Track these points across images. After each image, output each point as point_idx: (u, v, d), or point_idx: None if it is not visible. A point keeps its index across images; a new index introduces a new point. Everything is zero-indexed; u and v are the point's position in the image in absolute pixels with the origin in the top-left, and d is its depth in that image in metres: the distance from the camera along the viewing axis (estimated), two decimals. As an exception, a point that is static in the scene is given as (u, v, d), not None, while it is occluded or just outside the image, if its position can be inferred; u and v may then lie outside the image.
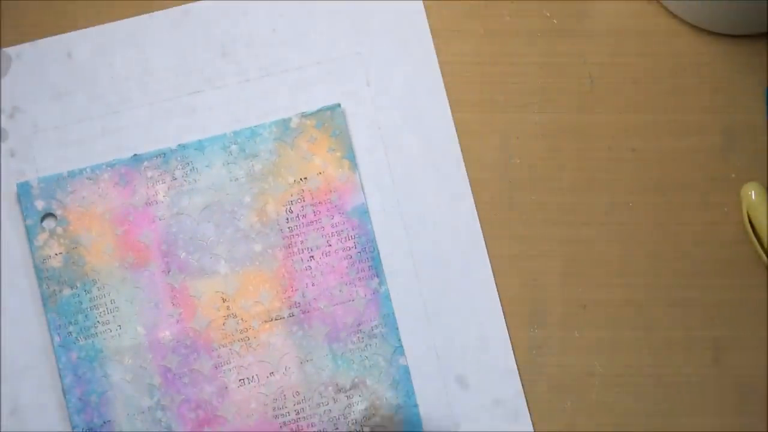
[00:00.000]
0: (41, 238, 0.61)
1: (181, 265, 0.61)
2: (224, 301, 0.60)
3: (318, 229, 0.60)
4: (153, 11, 0.66)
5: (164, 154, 0.62)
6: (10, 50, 0.65)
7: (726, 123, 0.65)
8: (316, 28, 0.66)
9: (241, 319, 0.60)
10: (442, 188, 0.65)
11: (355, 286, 0.60)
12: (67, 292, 0.60)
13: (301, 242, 0.60)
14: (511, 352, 0.62)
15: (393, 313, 0.60)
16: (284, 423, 0.59)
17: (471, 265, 0.64)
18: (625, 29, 0.67)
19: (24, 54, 0.66)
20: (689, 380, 0.62)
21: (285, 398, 0.59)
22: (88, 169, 0.61)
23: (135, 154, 0.61)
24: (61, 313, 0.60)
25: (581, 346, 0.63)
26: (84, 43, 0.66)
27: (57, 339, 0.60)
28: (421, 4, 0.66)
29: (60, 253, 0.61)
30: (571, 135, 0.66)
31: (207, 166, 0.61)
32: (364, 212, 0.60)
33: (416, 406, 0.60)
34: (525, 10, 0.67)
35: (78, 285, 0.60)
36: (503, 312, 0.63)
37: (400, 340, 0.60)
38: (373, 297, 0.60)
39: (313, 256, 0.60)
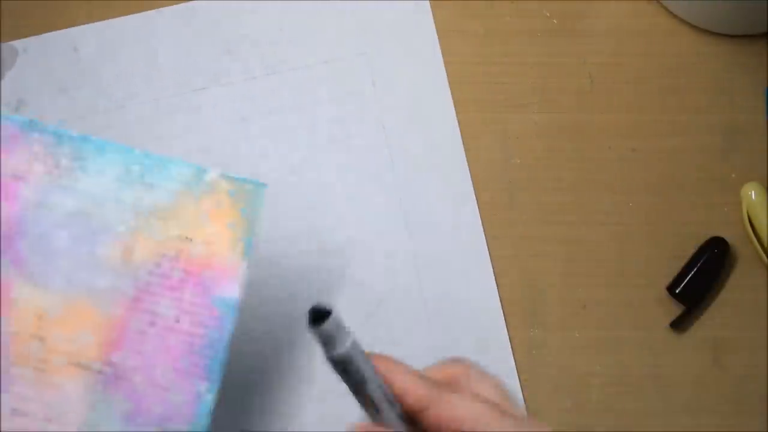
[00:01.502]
0: None
1: (17, 260, 0.49)
2: (40, 319, 0.48)
3: (175, 299, 0.49)
4: (160, 8, 0.62)
5: (60, 136, 0.50)
6: (16, 43, 0.62)
7: (726, 123, 0.62)
8: (323, 28, 0.63)
9: (48, 348, 0.48)
10: (444, 188, 0.61)
11: (181, 377, 0.48)
12: None
13: (151, 302, 0.49)
14: (511, 353, 0.58)
15: (207, 429, 0.48)
16: None
17: (472, 265, 0.60)
18: (625, 29, 0.63)
19: (30, 47, 0.61)
20: (689, 380, 0.59)
21: None
22: None
23: (33, 120, 0.50)
24: None
25: (581, 346, 0.59)
26: (90, 37, 0.61)
27: None
28: (427, 4, 0.63)
29: None
30: (571, 135, 0.62)
31: (98, 172, 0.50)
32: (230, 308, 0.49)
33: None
34: (525, 10, 0.64)
35: None
36: (503, 312, 0.59)
37: None
38: (191, 400, 0.48)
39: (155, 323, 0.48)
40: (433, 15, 0.63)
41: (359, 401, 0.40)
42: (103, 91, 0.61)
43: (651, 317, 0.59)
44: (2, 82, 0.61)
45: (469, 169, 0.61)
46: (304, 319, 0.38)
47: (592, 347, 0.58)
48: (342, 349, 0.39)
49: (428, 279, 0.59)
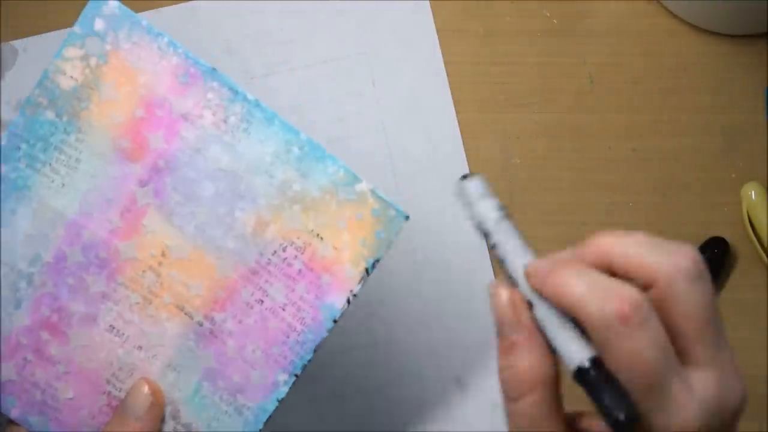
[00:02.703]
0: (73, 51, 0.49)
1: (159, 192, 0.50)
2: (163, 255, 0.50)
3: (288, 287, 0.50)
4: (160, 8, 0.62)
5: (237, 93, 0.50)
6: (16, 43, 0.61)
7: (726, 123, 0.61)
8: (323, 28, 0.62)
9: (161, 283, 0.49)
10: (445, 188, 0.60)
11: (267, 362, 0.49)
12: (50, 115, 0.49)
13: (265, 281, 0.50)
14: None
15: (269, 414, 0.50)
16: (108, 393, 0.49)
17: (472, 265, 0.59)
18: (625, 29, 0.63)
19: (30, 47, 0.61)
20: None
21: (129, 377, 0.49)
22: (165, 40, 0.50)
23: (215, 69, 0.51)
24: (29, 127, 0.49)
25: None
26: None
27: (4, 141, 0.49)
28: (427, 4, 0.62)
29: (75, 80, 0.49)
30: (571, 135, 0.61)
31: (260, 141, 0.50)
32: (332, 318, 0.50)
33: None
34: (525, 10, 0.63)
35: (64, 119, 0.49)
36: None
37: None
38: (269, 385, 0.49)
39: (262, 301, 0.50)
40: (433, 15, 0.62)
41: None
42: (104, 90, 0.61)
43: (651, 317, 0.58)
44: (2, 82, 0.60)
45: (469, 169, 0.60)
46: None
47: (592, 347, 0.58)
48: (478, 218, 0.39)
49: (428, 279, 0.58)
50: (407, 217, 0.49)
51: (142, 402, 0.48)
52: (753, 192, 0.59)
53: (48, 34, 0.61)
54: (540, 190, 0.60)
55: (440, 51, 0.62)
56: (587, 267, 0.34)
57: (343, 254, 0.49)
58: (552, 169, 0.60)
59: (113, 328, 0.49)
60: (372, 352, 0.58)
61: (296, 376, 0.49)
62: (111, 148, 0.49)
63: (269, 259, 0.49)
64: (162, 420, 0.49)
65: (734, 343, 0.57)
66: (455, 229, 0.59)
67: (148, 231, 0.49)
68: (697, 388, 0.34)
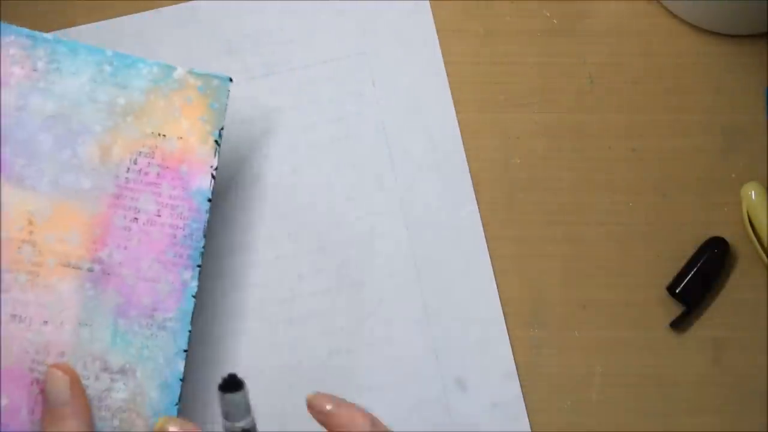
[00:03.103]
0: None
1: (2, 165, 0.49)
2: (31, 223, 0.49)
3: (155, 193, 0.50)
4: (160, 8, 0.62)
5: (35, 38, 0.50)
6: None
7: (726, 123, 0.62)
8: (323, 28, 0.62)
9: (40, 250, 0.48)
10: (445, 189, 0.60)
11: (167, 268, 0.49)
12: None
13: (132, 198, 0.50)
14: (511, 354, 0.58)
15: (191, 314, 0.50)
16: (36, 380, 0.48)
17: (471, 266, 0.59)
18: (625, 29, 0.63)
19: None
20: (689, 380, 0.58)
21: (48, 354, 0.48)
22: None
23: (4, 23, 0.51)
24: None
25: (581, 346, 0.58)
26: (91, 38, 0.60)
27: None
28: (427, 4, 0.62)
29: None
30: (571, 135, 0.61)
31: (73, 74, 0.50)
32: (205, 199, 0.50)
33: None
34: (525, 10, 0.63)
35: None
36: (503, 312, 0.58)
37: (187, 343, 0.49)
38: (179, 288, 0.49)
39: (137, 219, 0.50)
40: (433, 15, 0.62)
41: None
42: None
43: (651, 317, 0.58)
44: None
45: (469, 169, 0.60)
46: (218, 382, 0.41)
47: (592, 347, 0.58)
48: (242, 423, 0.42)
49: (428, 279, 0.58)
50: (230, 79, 0.51)
51: (60, 386, 0.47)
52: (753, 192, 0.59)
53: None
54: (540, 190, 0.60)
55: (440, 51, 0.62)
56: None
57: (189, 140, 0.50)
58: (552, 169, 0.60)
59: (15, 316, 0.48)
60: (372, 352, 0.58)
61: (198, 266, 0.49)
62: None
63: (126, 178, 0.50)
64: (96, 379, 0.48)
65: (734, 343, 0.58)
66: (455, 227, 0.59)
67: (6, 207, 0.49)
68: None
